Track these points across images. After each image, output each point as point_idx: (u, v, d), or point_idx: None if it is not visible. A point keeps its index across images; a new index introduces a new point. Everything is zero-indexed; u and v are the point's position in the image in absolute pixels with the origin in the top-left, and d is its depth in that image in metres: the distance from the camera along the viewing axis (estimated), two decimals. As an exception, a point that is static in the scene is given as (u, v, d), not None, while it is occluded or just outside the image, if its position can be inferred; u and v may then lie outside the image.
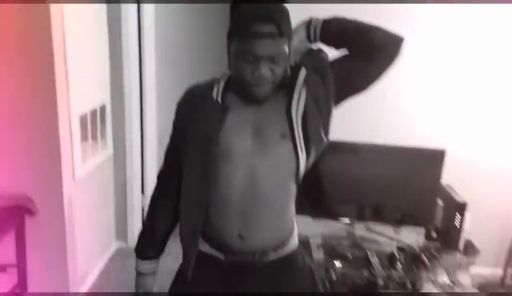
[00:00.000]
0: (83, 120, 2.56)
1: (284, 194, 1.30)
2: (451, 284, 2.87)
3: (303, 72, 1.27)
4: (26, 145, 2.30)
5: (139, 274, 1.47)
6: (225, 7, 3.62)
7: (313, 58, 1.30)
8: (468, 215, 2.97)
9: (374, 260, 2.21)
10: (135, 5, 2.98)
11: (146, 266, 1.46)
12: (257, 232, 1.28)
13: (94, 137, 2.76)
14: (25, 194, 2.34)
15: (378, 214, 2.62)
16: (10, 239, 2.36)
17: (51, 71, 2.22)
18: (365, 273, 2.23)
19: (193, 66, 3.46)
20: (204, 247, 1.33)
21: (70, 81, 2.38)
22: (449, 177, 2.54)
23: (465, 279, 2.94)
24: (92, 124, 2.69)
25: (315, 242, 2.57)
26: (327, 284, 2.44)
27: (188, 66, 3.44)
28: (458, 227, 2.41)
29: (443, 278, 2.84)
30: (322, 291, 1.47)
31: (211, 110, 1.26)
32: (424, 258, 2.29)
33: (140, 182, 3.29)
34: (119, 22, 2.89)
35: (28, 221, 2.38)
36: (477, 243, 2.81)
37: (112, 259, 3.09)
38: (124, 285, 2.79)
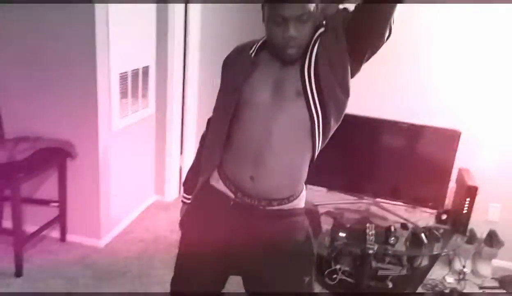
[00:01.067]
0: (123, 79, 2.84)
1: (296, 148, 1.38)
2: (467, 272, 2.82)
3: (319, 32, 1.33)
4: (69, 97, 2.62)
5: (183, 202, 1.67)
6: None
7: (333, 17, 1.33)
8: (497, 205, 2.88)
9: (371, 233, 2.26)
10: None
11: (186, 197, 1.64)
12: (267, 177, 1.37)
13: (135, 96, 3.03)
14: (67, 139, 2.68)
15: (392, 193, 2.64)
16: (53, 178, 2.74)
17: (92, 33, 2.50)
18: (362, 245, 2.28)
19: (236, 28, 3.57)
20: (218, 184, 1.45)
21: (111, 42, 2.65)
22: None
23: (485, 270, 2.87)
24: (133, 83, 2.97)
25: (326, 212, 2.66)
26: (331, 251, 2.54)
27: (231, 28, 3.57)
28: (466, 211, 2.36)
29: (459, 266, 2.80)
30: (315, 255, 1.53)
31: (243, 63, 1.41)
32: (423, 237, 2.28)
33: (180, 143, 3.56)
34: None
35: (69, 163, 2.73)
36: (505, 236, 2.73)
37: (147, 209, 3.40)
38: (152, 232, 3.09)
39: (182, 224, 1.62)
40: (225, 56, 1.53)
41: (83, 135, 2.68)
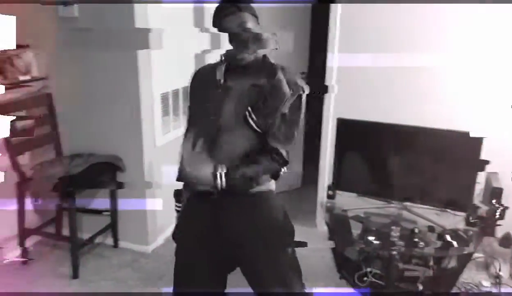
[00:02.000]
0: (164, 98, 3.11)
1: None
2: (504, 276, 2.80)
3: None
4: (118, 117, 2.93)
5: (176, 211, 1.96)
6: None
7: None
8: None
9: (396, 235, 2.33)
10: None
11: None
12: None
13: (176, 114, 3.30)
14: (117, 154, 2.98)
15: (421, 196, 2.70)
16: (106, 190, 3.04)
17: (135, 59, 2.79)
18: (388, 247, 2.36)
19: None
20: (199, 187, 1.72)
21: (153, 66, 2.93)
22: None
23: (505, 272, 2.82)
24: (174, 102, 3.24)
25: (355, 217, 2.76)
26: (360, 254, 2.64)
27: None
28: (494, 213, 2.37)
29: (496, 269, 2.78)
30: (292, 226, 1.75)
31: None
32: (448, 238, 2.33)
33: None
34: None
35: (119, 176, 3.02)
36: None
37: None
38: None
39: (173, 236, 1.90)
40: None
41: (130, 150, 2.97)
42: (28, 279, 2.73)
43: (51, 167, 2.77)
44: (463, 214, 2.60)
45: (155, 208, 3.12)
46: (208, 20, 3.35)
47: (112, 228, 3.09)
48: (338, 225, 2.67)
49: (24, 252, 2.88)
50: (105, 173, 2.94)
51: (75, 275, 2.76)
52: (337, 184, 2.88)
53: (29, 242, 2.98)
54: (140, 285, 2.73)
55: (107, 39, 2.83)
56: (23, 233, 2.86)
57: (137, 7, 2.73)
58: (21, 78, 2.94)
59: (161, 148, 3.12)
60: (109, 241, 3.14)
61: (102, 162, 2.92)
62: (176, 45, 3.17)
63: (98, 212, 3.08)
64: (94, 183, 2.91)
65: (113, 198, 3.03)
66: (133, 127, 2.92)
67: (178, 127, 3.33)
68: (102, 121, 2.98)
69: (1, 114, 2.67)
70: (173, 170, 3.21)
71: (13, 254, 2.89)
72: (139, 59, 2.80)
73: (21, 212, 2.80)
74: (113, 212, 3.06)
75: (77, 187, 2.74)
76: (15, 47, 1.48)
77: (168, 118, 3.20)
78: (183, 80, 3.31)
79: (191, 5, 3.32)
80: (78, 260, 2.78)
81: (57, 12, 2.86)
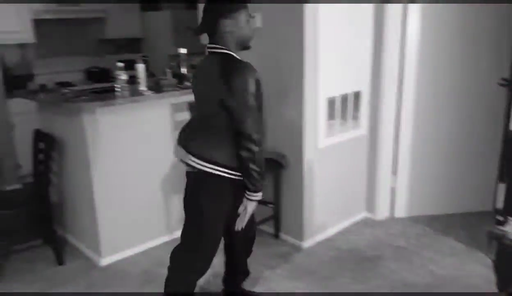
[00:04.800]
0: (331, 102, 3.21)
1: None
2: None
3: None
4: (285, 117, 3.17)
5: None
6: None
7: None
8: None
9: None
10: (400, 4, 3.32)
11: None
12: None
13: (344, 117, 3.35)
14: (282, 152, 3.23)
15: None
16: (271, 183, 3.32)
17: (301, 64, 2.97)
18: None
19: (462, 59, 3.46)
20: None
21: (320, 70, 3.07)
22: None
23: None
24: (342, 106, 3.30)
25: None
26: None
27: (453, 60, 3.47)
28: None
29: None
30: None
31: None
32: None
33: (392, 163, 3.64)
34: (381, 20, 3.34)
35: (283, 172, 3.26)
36: None
37: (355, 224, 3.63)
38: (350, 244, 3.31)
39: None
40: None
41: (293, 150, 3.17)
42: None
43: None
44: None
45: (313, 207, 3.26)
46: (389, 22, 3.30)
47: (275, 219, 3.36)
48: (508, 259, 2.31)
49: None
50: (270, 169, 3.21)
51: (235, 255, 3.13)
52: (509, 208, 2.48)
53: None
54: (288, 277, 2.91)
55: (279, 44, 3.10)
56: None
57: (307, 8, 2.88)
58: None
59: (323, 149, 3.23)
60: (271, 230, 3.42)
61: (268, 158, 3.20)
62: (347, 48, 3.23)
63: (263, 202, 3.39)
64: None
65: (277, 191, 3.30)
66: (297, 128, 3.11)
67: (345, 131, 3.38)
68: (272, 121, 3.27)
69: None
70: (333, 172, 3.30)
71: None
72: (305, 63, 2.96)
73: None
74: (276, 205, 3.33)
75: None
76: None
77: (334, 122, 3.28)
78: (354, 85, 3.37)
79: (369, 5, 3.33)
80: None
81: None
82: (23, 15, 4.56)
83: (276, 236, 3.40)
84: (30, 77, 4.81)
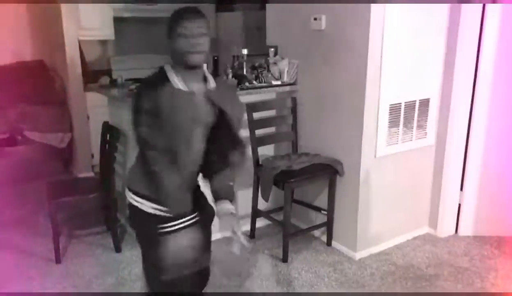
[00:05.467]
0: (394, 109, 3.05)
1: None
2: None
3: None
4: (344, 123, 3.08)
5: None
6: None
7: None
8: None
9: None
10: (480, 4, 3.09)
11: None
12: None
13: (408, 126, 3.17)
14: (338, 159, 3.13)
15: None
16: (326, 190, 3.24)
17: (364, 67, 2.87)
18: None
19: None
20: None
21: (384, 76, 2.93)
22: None
23: None
24: (407, 113, 3.13)
25: None
26: None
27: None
28: None
29: None
30: None
31: None
32: None
33: (460, 178, 3.40)
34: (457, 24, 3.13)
35: (338, 179, 3.17)
36: None
37: (415, 239, 3.43)
38: (407, 260, 3.14)
39: None
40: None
41: (350, 157, 3.07)
42: (246, 252, 3.20)
43: (279, 160, 3.17)
44: None
45: (368, 217, 3.14)
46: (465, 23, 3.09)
47: (328, 226, 3.28)
48: None
49: (252, 230, 3.41)
50: (324, 174, 3.14)
51: (284, 259, 3.09)
52: None
53: (259, 223, 3.49)
54: (335, 286, 2.83)
55: (342, 46, 3.01)
56: (255, 214, 3.38)
57: (374, 7, 2.78)
58: (274, 82, 3.44)
59: (382, 158, 3.09)
60: (324, 237, 3.34)
61: (324, 163, 3.14)
62: (416, 51, 3.07)
63: (316, 208, 3.33)
64: (311, 180, 3.16)
65: (331, 198, 3.21)
66: (355, 135, 3.00)
67: (408, 141, 3.21)
68: (330, 126, 3.19)
69: (254, 111, 3.24)
70: (393, 183, 3.15)
71: (245, 227, 3.46)
72: (368, 66, 2.86)
73: (255, 195, 3.31)
74: (330, 212, 3.24)
75: (296, 181, 3.04)
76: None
77: (396, 130, 3.13)
78: (422, 91, 3.18)
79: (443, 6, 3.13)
80: (288, 246, 3.09)
81: (308, 26, 3.22)
82: (105, 13, 4.84)
83: (328, 243, 3.31)
84: (107, 72, 5.11)
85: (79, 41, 4.58)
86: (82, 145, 4.70)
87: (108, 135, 3.33)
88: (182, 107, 1.66)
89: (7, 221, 3.74)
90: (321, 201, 3.32)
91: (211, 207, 1.95)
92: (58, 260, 3.09)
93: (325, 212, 3.26)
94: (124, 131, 3.29)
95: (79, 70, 4.57)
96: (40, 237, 3.38)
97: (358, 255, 3.16)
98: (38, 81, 4.82)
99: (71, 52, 4.50)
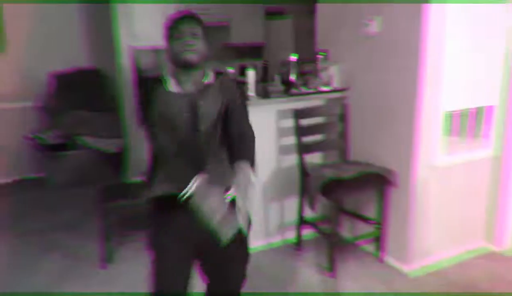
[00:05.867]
0: (451, 117, 2.89)
1: None
2: None
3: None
4: (397, 131, 2.94)
5: None
6: None
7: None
8: None
9: None
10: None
11: None
12: None
13: (467, 135, 2.99)
14: (391, 168, 2.99)
15: None
16: (376, 201, 3.11)
17: (418, 73, 2.73)
18: None
19: None
20: None
21: (441, 80, 2.77)
22: None
23: None
24: (465, 122, 2.95)
25: None
26: None
27: None
28: None
29: None
30: None
31: None
32: None
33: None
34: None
35: (390, 190, 3.03)
36: None
37: (471, 254, 3.22)
38: (463, 277, 2.95)
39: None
40: None
41: (404, 167, 2.92)
42: (292, 262, 3.16)
43: (327, 168, 3.07)
44: None
45: (422, 230, 2.97)
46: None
47: (378, 238, 3.13)
48: None
49: (298, 239, 3.32)
50: (375, 184, 3.01)
51: (330, 271, 2.98)
52: None
53: (306, 233, 3.39)
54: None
55: (397, 49, 2.89)
56: (301, 223, 3.29)
57: (433, 8, 2.64)
58: (323, 88, 3.36)
59: (437, 168, 2.92)
60: (373, 250, 3.20)
61: (375, 173, 3.01)
62: (476, 55, 2.89)
63: (366, 220, 3.20)
64: (362, 190, 3.03)
65: (382, 210, 3.07)
66: (408, 144, 2.86)
67: (466, 150, 3.03)
68: (382, 133, 3.06)
69: (302, 117, 3.18)
70: (448, 194, 2.97)
71: (290, 237, 3.39)
72: (424, 71, 2.72)
73: (301, 204, 3.23)
74: (380, 223, 3.10)
75: (344, 190, 2.94)
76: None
77: (453, 139, 2.95)
78: (483, 98, 2.99)
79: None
80: (335, 257, 2.97)
81: (360, 30, 3.12)
82: (157, 22, 4.94)
83: (378, 256, 3.17)
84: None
85: (132, 50, 4.70)
86: (133, 150, 4.81)
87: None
88: (164, 102, 1.82)
89: (59, 222, 3.89)
90: (372, 211, 3.19)
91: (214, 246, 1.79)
92: (105, 263, 3.16)
93: (376, 224, 3.13)
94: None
95: (131, 77, 4.69)
96: (90, 240, 3.47)
97: (410, 269, 2.99)
98: (93, 89, 4.99)
99: (124, 61, 4.62)
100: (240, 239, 1.84)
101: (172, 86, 1.86)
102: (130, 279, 2.97)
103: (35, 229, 3.77)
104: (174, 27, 1.83)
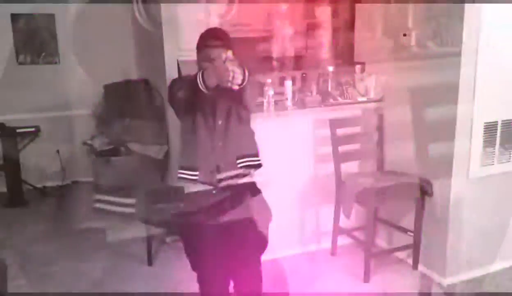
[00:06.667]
0: (490, 128, 2.86)
1: None
2: None
3: None
4: (434, 140, 2.95)
5: None
6: None
7: None
8: None
9: None
10: None
11: None
12: None
13: (506, 146, 2.95)
14: (426, 178, 3.00)
15: None
16: (413, 210, 3.11)
17: (455, 82, 2.72)
18: None
19: None
20: None
21: (478, 89, 2.76)
22: None
23: None
24: (505, 133, 2.91)
25: None
26: None
27: None
28: None
29: None
30: None
31: None
32: None
33: None
34: None
35: (427, 200, 3.02)
36: None
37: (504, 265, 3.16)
38: (506, 290, 2.89)
39: None
40: None
41: (440, 177, 2.92)
42: (327, 269, 3.21)
43: (363, 177, 3.11)
44: None
45: (458, 241, 2.94)
46: None
47: (414, 249, 3.13)
48: None
49: (334, 246, 3.36)
50: (410, 194, 3.02)
51: (365, 279, 3.01)
52: None
53: (341, 241, 3.42)
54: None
55: (434, 64, 2.91)
56: (336, 231, 3.34)
57: (468, 8, 2.65)
58: (359, 99, 3.41)
59: (476, 179, 2.90)
60: (410, 260, 3.19)
61: (411, 182, 3.02)
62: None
63: (401, 229, 3.20)
64: (397, 199, 3.05)
65: (418, 219, 3.07)
66: (445, 154, 2.86)
67: (507, 162, 2.98)
68: (418, 144, 3.07)
69: (337, 127, 3.26)
70: (488, 206, 2.93)
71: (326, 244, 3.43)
72: (461, 79, 2.72)
73: (336, 212, 3.28)
74: (417, 233, 3.09)
75: (380, 199, 2.97)
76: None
77: (493, 150, 2.92)
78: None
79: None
80: (370, 266, 3.00)
81: (397, 41, 3.16)
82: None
83: (414, 267, 3.16)
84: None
85: (178, 62, 4.92)
86: (176, 157, 5.00)
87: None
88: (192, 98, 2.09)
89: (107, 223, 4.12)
90: (408, 221, 3.18)
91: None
92: (149, 263, 3.33)
93: (412, 234, 3.12)
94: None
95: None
96: (135, 240, 3.66)
97: (447, 281, 2.97)
98: (141, 98, 5.25)
99: (171, 72, 4.84)
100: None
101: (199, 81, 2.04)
102: (172, 278, 3.11)
103: (86, 229, 4.03)
104: (201, 39, 2.21)
